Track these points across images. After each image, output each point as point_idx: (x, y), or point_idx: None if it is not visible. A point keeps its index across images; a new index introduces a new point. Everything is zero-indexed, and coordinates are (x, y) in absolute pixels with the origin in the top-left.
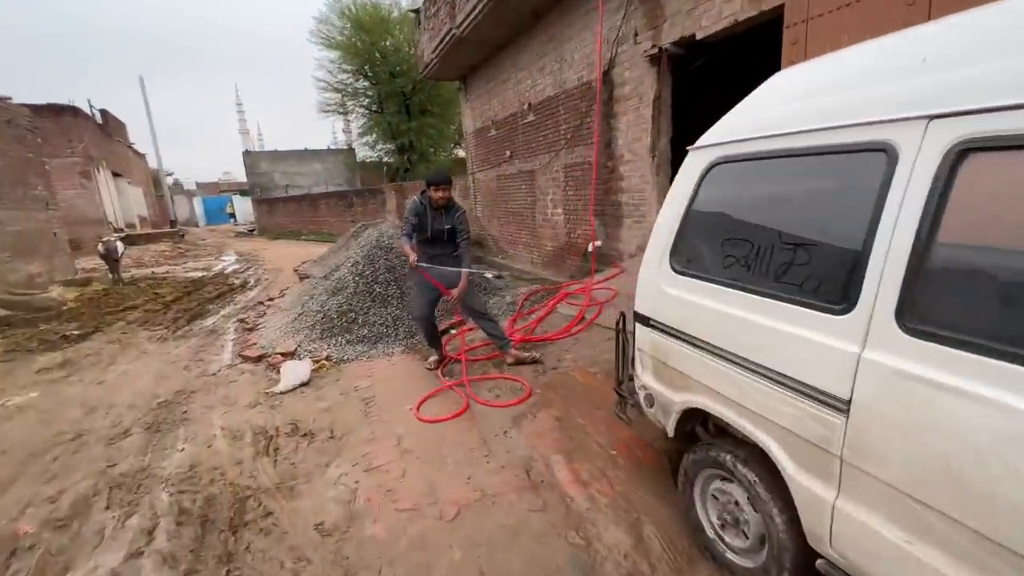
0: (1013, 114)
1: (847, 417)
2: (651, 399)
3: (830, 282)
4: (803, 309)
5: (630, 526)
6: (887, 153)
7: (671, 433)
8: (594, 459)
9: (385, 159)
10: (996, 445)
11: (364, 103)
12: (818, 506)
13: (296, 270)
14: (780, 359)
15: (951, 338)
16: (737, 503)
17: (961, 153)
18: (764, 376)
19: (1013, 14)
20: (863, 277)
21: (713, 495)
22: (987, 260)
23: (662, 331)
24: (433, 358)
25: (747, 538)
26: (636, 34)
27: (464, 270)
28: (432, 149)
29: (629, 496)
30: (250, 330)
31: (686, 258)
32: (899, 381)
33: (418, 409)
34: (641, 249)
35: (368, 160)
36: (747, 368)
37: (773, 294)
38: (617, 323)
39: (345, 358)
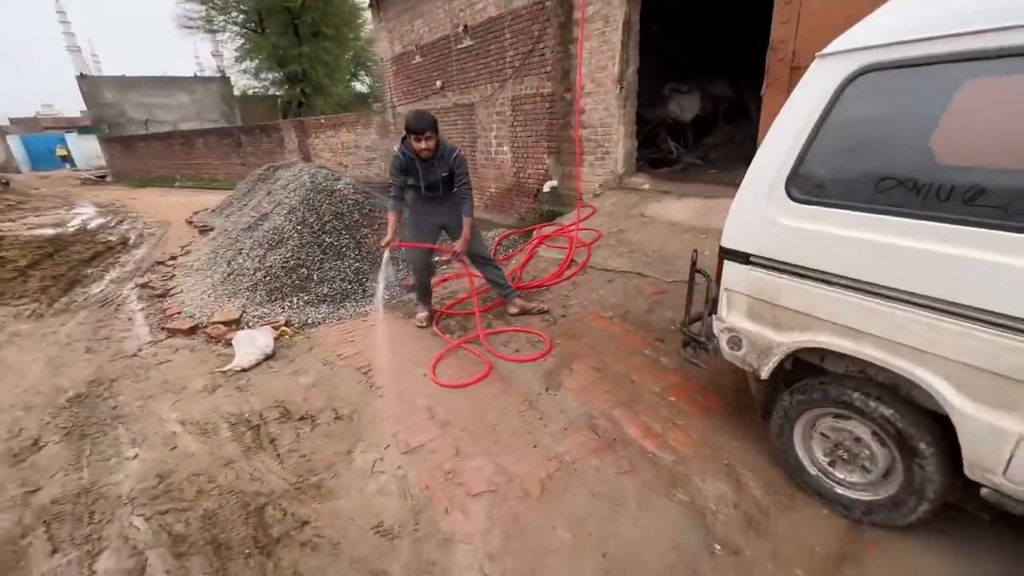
0: None
1: None
2: (738, 341)
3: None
4: (999, 231)
5: (724, 474)
6: None
7: (765, 375)
8: (656, 409)
9: (273, 91)
10: None
11: (238, 19)
12: (996, 438)
13: (191, 222)
14: (971, 291)
15: None
16: (858, 439)
17: None
18: (939, 311)
19: None
20: None
21: (823, 434)
22: None
23: (771, 268)
24: (422, 314)
25: (869, 473)
26: None
27: (467, 219)
28: (328, 81)
29: (710, 443)
30: (160, 296)
31: (814, 184)
32: None
33: (434, 373)
34: (605, 187)
35: (252, 92)
36: (912, 303)
37: (962, 219)
38: (693, 261)
39: (309, 322)
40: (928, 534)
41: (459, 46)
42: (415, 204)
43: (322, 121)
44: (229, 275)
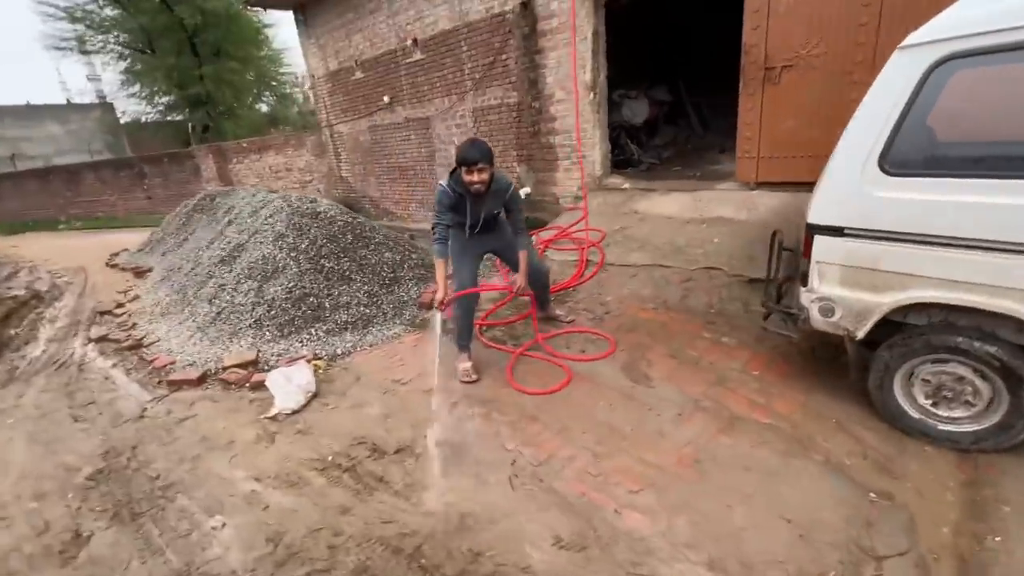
0: None
1: None
2: (830, 309)
3: None
4: None
5: (839, 431)
6: None
7: (862, 335)
8: (746, 384)
9: (172, 116)
10: None
11: (120, 39)
12: None
13: (115, 265)
14: None
15: None
16: (960, 379)
17: None
18: None
19: None
20: None
21: (924, 379)
22: None
23: (868, 237)
24: (466, 364)
25: (973, 406)
26: None
27: (523, 252)
28: (237, 102)
29: (810, 407)
30: (131, 349)
31: (912, 160)
32: None
33: (515, 383)
34: (581, 189)
35: (146, 119)
36: (1009, 250)
37: None
38: (780, 242)
39: (338, 352)
40: None
41: (409, 60)
42: (457, 236)
43: (244, 145)
44: (218, 314)
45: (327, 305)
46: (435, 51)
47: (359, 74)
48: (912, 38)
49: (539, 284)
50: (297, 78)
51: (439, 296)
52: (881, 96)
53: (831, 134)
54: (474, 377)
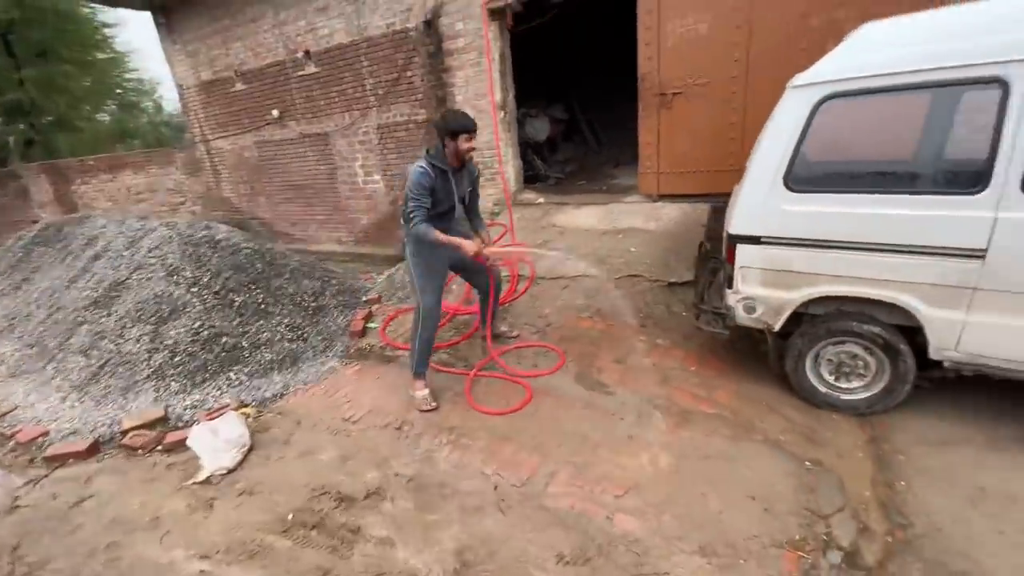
0: None
1: (983, 260)
2: (752, 307)
3: (967, 175)
4: (943, 196)
5: (770, 411)
6: (1001, 83)
7: (778, 328)
8: (687, 379)
9: None
10: None
11: None
12: (950, 326)
13: None
14: (923, 235)
15: None
16: (854, 356)
17: None
18: (904, 252)
19: None
20: (993, 168)
21: (829, 359)
22: None
23: (780, 244)
24: (424, 392)
25: (865, 377)
26: None
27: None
28: (73, 112)
29: (743, 394)
30: None
31: (807, 178)
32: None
33: (476, 404)
34: (500, 205)
35: None
36: (887, 251)
37: (917, 191)
38: (709, 252)
39: (268, 396)
40: (908, 408)
41: (301, 72)
42: (421, 248)
43: (91, 163)
44: (101, 368)
45: (245, 344)
46: (332, 65)
47: (240, 85)
48: (801, 79)
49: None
50: (144, 84)
51: (476, 244)
52: (780, 126)
53: (717, 152)
54: (434, 404)
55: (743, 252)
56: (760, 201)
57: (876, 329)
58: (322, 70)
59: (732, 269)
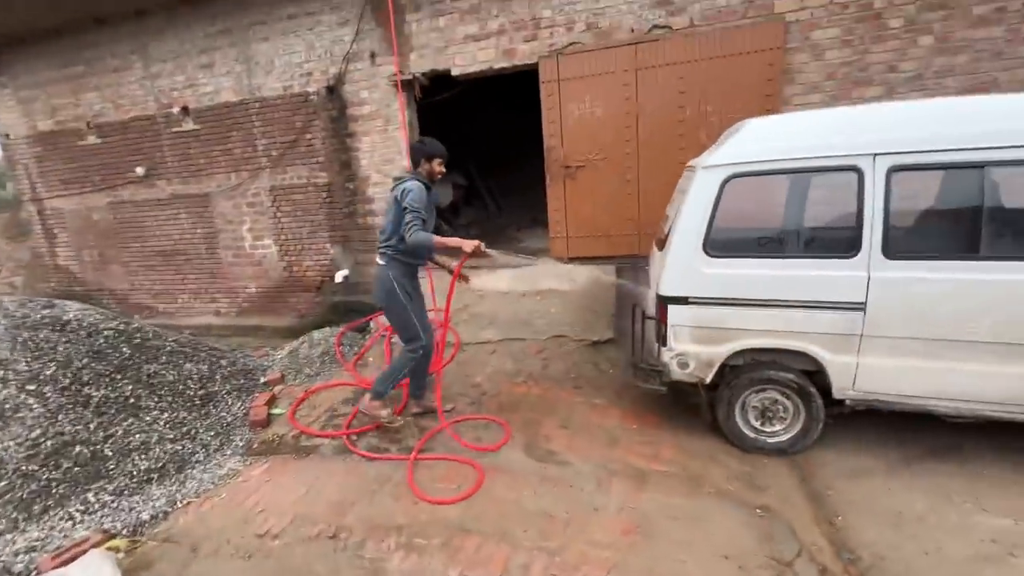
0: (912, 156)
1: (864, 312)
2: (685, 362)
3: (842, 242)
4: (826, 259)
5: (713, 462)
6: (857, 171)
7: (709, 380)
8: (633, 438)
9: None
10: (935, 297)
11: None
12: (846, 369)
13: None
14: (816, 292)
15: (912, 255)
16: (775, 401)
17: (892, 170)
18: (804, 307)
19: (910, 107)
20: (861, 237)
21: (754, 406)
22: (923, 217)
23: (705, 303)
24: (388, 410)
25: (785, 420)
26: (374, 55)
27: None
28: None
29: (684, 447)
30: None
31: (722, 245)
32: (890, 283)
33: (423, 494)
34: None
35: None
36: (794, 306)
37: (804, 256)
38: (643, 315)
39: (146, 519)
40: (821, 444)
41: (177, 129)
42: (406, 266)
43: None
44: None
45: (108, 452)
46: (216, 123)
47: (93, 139)
48: (709, 161)
49: (422, 367)
50: None
51: (475, 243)
52: (696, 200)
53: (617, 218)
54: (400, 421)
55: (674, 312)
56: (685, 265)
57: (790, 376)
58: (203, 127)
59: (665, 328)
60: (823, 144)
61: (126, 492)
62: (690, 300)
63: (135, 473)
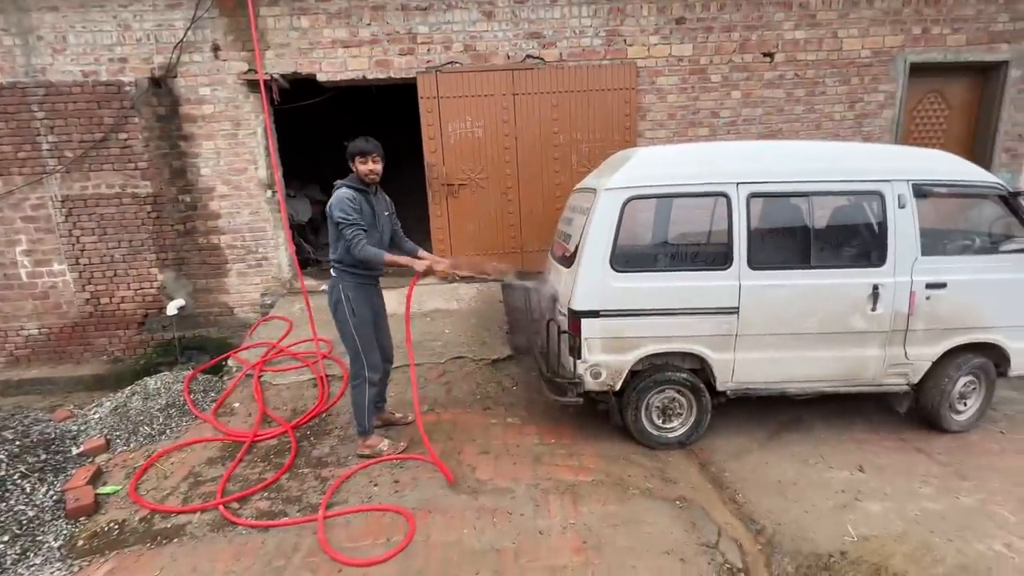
0: (760, 186)
1: (738, 315)
2: (598, 372)
3: (719, 256)
4: (708, 271)
5: (629, 463)
6: (726, 197)
7: (618, 387)
8: (555, 453)
9: None
10: (784, 300)
11: None
12: (726, 364)
13: None
14: (702, 300)
15: (767, 266)
16: (673, 399)
17: (751, 196)
18: (694, 313)
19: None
20: (732, 251)
21: (656, 405)
22: (773, 235)
23: (614, 315)
24: (384, 442)
25: (682, 415)
26: (217, 48)
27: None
28: None
29: (603, 454)
30: None
31: (625, 260)
32: (755, 289)
33: (345, 557)
34: (270, 294)
35: None
36: (686, 313)
37: (692, 269)
38: (559, 330)
39: None
40: (714, 430)
41: None
42: (356, 278)
43: None
44: None
45: None
46: None
47: None
48: (610, 184)
49: (387, 369)
50: None
51: (444, 263)
52: (602, 219)
53: (500, 236)
54: (403, 444)
55: (586, 325)
56: (595, 280)
57: (684, 375)
58: None
59: (579, 341)
60: (699, 173)
61: None
62: (600, 313)
63: None
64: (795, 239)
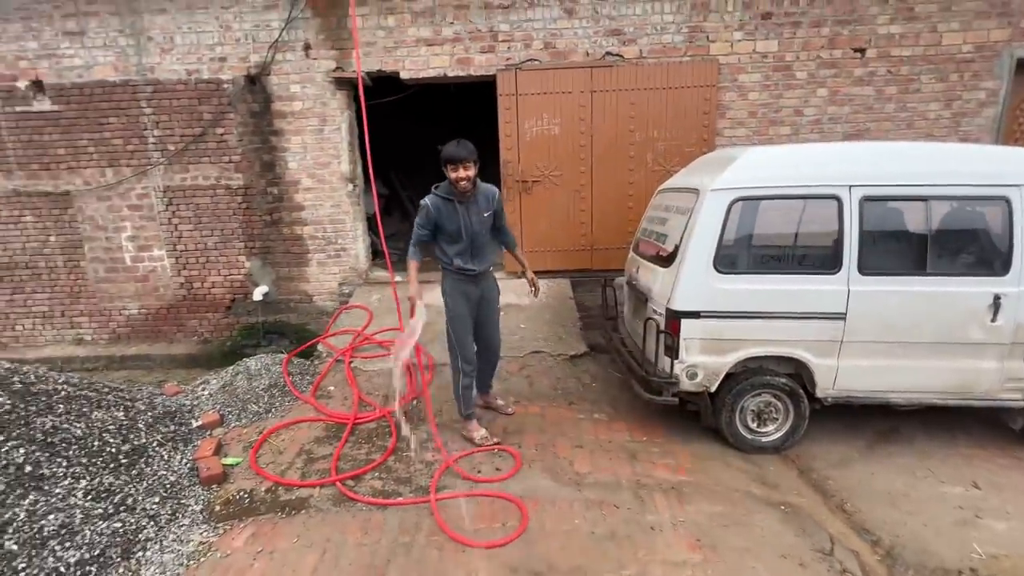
0: (874, 188)
1: (845, 320)
2: (694, 373)
3: (828, 259)
4: (816, 275)
5: (726, 466)
6: (837, 199)
7: (714, 388)
8: (650, 451)
9: None
10: (895, 307)
11: None
12: (829, 370)
13: None
14: (807, 304)
15: (879, 272)
16: (769, 403)
17: (864, 200)
18: (798, 317)
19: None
20: (842, 255)
21: (751, 409)
22: (886, 240)
23: (716, 317)
24: (482, 432)
25: (777, 421)
26: (308, 47)
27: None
28: None
29: (696, 453)
30: None
31: (729, 262)
32: (865, 295)
33: (473, 543)
34: (347, 285)
35: None
36: (790, 317)
37: (802, 273)
38: (657, 329)
39: None
40: (809, 437)
41: (24, 109)
42: (451, 274)
43: None
44: None
45: (12, 547)
46: (85, 104)
47: None
48: (716, 184)
49: (490, 359)
50: None
51: (412, 290)
52: (707, 221)
53: (571, 233)
54: (495, 439)
55: (686, 326)
56: (698, 282)
57: (783, 380)
58: (66, 109)
59: (677, 341)
60: (809, 175)
61: None
62: (701, 314)
63: (62, 571)
64: (910, 244)
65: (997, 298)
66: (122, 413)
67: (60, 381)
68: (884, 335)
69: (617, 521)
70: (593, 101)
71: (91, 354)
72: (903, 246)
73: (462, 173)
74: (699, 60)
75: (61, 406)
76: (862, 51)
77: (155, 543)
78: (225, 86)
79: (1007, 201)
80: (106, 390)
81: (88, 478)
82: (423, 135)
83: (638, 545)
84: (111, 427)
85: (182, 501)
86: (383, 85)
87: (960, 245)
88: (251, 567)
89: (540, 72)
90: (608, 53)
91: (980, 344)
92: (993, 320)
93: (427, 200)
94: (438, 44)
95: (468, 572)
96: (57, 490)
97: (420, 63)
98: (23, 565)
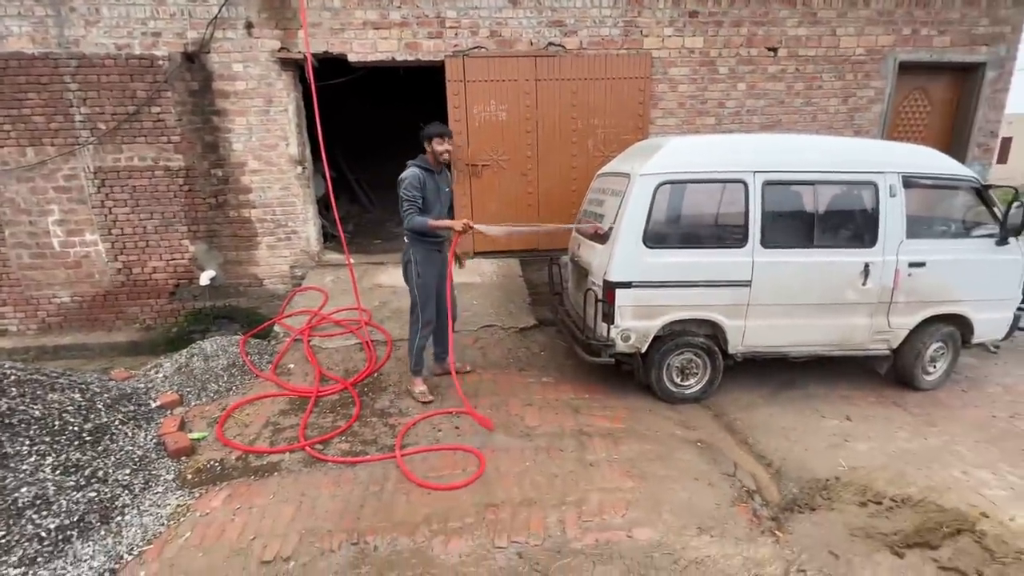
0: (773, 174)
1: (750, 287)
2: (628, 336)
3: (737, 235)
4: (729, 249)
5: (655, 415)
6: (744, 184)
7: (645, 348)
8: (591, 406)
9: None
10: (790, 274)
11: None
12: (738, 330)
13: None
14: (721, 274)
15: (777, 245)
16: (691, 360)
17: (765, 184)
18: (713, 285)
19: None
20: (748, 231)
21: (676, 366)
22: (783, 218)
23: (646, 286)
24: (423, 387)
25: (697, 375)
26: (251, 26)
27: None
28: None
29: (631, 406)
30: None
31: (657, 238)
32: (766, 265)
33: (435, 486)
34: (299, 267)
35: None
36: (707, 285)
37: (716, 247)
38: (595, 299)
39: None
40: (724, 388)
41: None
42: (423, 243)
43: None
44: None
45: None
46: (3, 81)
47: None
48: (646, 169)
49: (439, 336)
50: None
51: (462, 222)
52: (636, 201)
53: (519, 215)
54: (431, 398)
55: (620, 294)
56: (630, 256)
57: (701, 339)
58: None
59: (613, 309)
60: (722, 161)
61: (40, 559)
62: (633, 284)
63: (43, 536)
64: (801, 222)
65: (867, 266)
66: (79, 395)
67: (7, 366)
68: (781, 298)
69: (562, 462)
70: (538, 89)
71: (18, 345)
72: (796, 223)
73: (447, 146)
74: (634, 53)
75: (14, 389)
76: (775, 50)
77: (132, 508)
78: (160, 63)
79: (875, 186)
80: (55, 374)
81: (54, 455)
82: (370, 118)
83: (580, 478)
84: (70, 408)
85: (153, 472)
86: (330, 67)
87: (840, 222)
88: (232, 521)
89: (487, 60)
90: (551, 43)
91: (854, 304)
92: (864, 284)
93: (411, 170)
94: (385, 28)
95: (431, 508)
96: (24, 466)
97: (368, 46)
98: (2, 533)
